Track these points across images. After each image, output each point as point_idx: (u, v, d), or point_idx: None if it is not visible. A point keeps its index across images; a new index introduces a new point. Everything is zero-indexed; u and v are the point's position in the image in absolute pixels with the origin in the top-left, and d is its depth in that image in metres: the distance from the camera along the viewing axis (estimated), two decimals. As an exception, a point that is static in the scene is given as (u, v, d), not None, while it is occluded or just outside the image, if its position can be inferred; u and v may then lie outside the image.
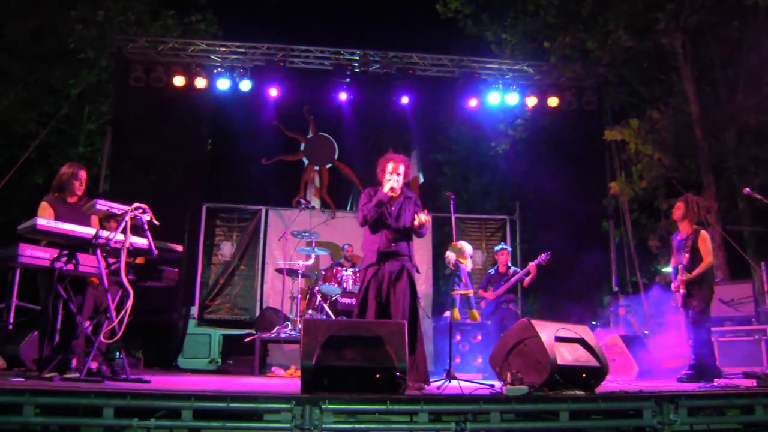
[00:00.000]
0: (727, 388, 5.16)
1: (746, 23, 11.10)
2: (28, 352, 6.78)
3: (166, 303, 10.16)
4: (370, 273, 5.63)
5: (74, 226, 4.83)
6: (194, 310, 11.38)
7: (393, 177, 5.72)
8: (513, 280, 9.16)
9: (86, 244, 4.95)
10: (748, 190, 7.31)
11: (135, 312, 4.86)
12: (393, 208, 5.73)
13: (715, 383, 6.03)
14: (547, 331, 4.68)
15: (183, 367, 10.42)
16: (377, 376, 4.15)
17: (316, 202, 12.04)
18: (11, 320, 8.52)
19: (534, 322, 4.78)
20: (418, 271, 5.87)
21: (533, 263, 9.11)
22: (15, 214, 13.44)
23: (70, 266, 4.96)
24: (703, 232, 6.83)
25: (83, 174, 5.84)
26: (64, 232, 4.76)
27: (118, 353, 8.07)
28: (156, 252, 5.13)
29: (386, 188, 5.67)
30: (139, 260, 5.58)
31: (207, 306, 11.55)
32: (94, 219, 5.64)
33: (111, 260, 5.11)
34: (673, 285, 6.93)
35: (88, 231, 4.86)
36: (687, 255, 6.78)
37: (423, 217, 5.63)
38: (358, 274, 9.40)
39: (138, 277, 5.59)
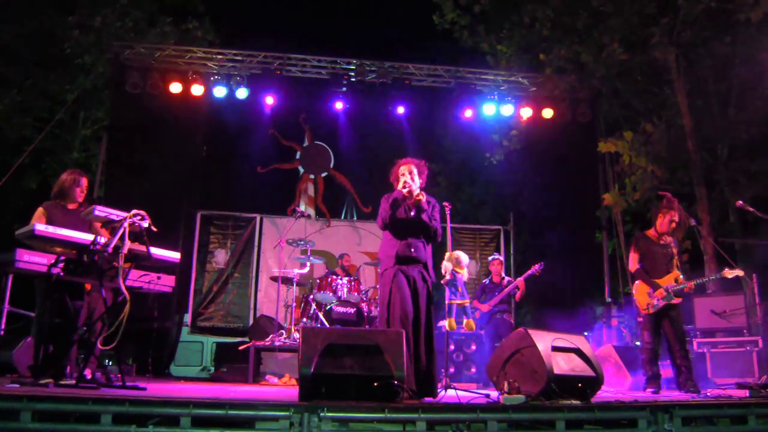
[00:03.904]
0: (720, 398, 5.20)
1: (738, 38, 11.24)
2: (21, 358, 6.72)
3: (159, 310, 10.11)
4: (390, 274, 5.48)
5: (72, 231, 4.84)
6: (187, 318, 11.36)
7: (405, 176, 5.55)
8: (505, 291, 9.17)
9: (84, 250, 4.95)
10: (740, 202, 7.36)
11: (128, 319, 4.84)
12: (413, 212, 5.57)
13: (708, 393, 6.07)
14: (543, 341, 4.70)
15: (175, 375, 10.37)
16: (375, 384, 4.16)
17: (310, 211, 12.08)
18: (3, 326, 8.48)
19: (531, 331, 4.79)
20: (433, 280, 5.75)
21: (521, 278, 9.11)
22: (8, 219, 13.41)
23: (67, 272, 4.96)
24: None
25: (84, 181, 5.88)
26: (62, 237, 4.76)
27: (108, 360, 8.08)
28: (153, 259, 5.13)
29: (400, 185, 5.50)
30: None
31: (200, 313, 11.53)
32: (94, 225, 5.63)
33: (107, 266, 5.10)
34: (658, 292, 6.76)
35: (85, 237, 4.87)
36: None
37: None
38: (353, 283, 9.41)
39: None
